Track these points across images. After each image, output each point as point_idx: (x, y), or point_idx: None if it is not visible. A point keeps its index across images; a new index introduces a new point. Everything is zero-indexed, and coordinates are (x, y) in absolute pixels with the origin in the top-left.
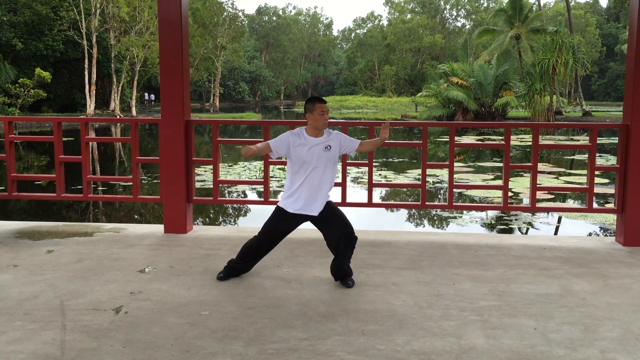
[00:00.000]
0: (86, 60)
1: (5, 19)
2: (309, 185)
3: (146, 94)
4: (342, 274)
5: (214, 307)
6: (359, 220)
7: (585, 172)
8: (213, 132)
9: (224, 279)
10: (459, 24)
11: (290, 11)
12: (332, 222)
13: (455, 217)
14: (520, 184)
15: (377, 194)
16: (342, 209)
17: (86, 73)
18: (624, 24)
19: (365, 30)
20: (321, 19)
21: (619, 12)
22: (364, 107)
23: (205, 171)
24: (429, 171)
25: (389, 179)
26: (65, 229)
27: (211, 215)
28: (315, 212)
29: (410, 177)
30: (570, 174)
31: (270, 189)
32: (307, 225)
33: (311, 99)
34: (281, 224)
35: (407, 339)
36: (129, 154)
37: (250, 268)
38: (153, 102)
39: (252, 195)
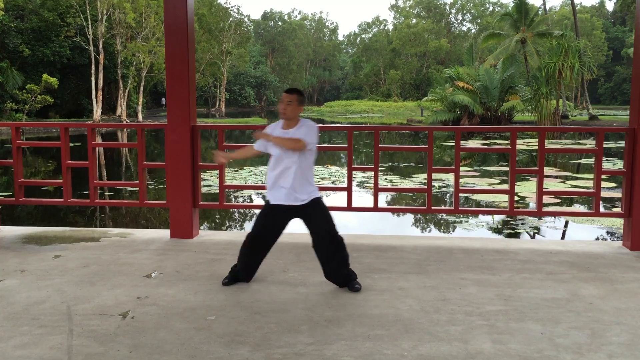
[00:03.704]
0: (93, 66)
1: (12, 25)
2: (285, 175)
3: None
4: (343, 279)
5: (220, 312)
6: (365, 225)
7: (591, 176)
8: (219, 137)
9: (229, 284)
10: (464, 28)
11: (296, 16)
12: (315, 221)
13: (461, 222)
14: (527, 188)
15: (383, 199)
16: (348, 214)
17: (93, 79)
18: (630, 28)
19: (370, 35)
20: (326, 23)
21: (625, 15)
22: (370, 111)
23: (211, 176)
24: (435, 176)
25: (394, 184)
26: (72, 234)
27: (217, 220)
28: (297, 201)
29: (416, 181)
30: (576, 178)
31: None
32: None
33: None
34: (268, 217)
35: (413, 344)
36: (136, 159)
37: (251, 277)
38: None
39: (258, 200)
